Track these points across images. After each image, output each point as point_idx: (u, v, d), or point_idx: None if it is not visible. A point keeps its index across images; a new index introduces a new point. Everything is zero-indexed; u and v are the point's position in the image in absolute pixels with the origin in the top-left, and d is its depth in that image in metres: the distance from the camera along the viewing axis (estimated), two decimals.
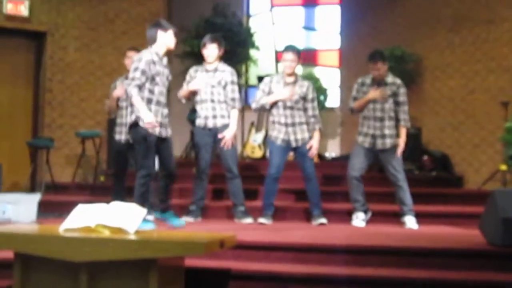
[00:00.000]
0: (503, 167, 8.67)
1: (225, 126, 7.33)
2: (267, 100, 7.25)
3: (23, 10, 10.36)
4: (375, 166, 9.53)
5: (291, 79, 7.30)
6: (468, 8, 10.28)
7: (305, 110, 7.29)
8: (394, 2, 11.58)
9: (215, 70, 7.45)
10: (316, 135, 7.30)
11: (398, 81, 7.33)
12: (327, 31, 13.50)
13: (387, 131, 7.19)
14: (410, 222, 7.06)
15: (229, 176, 7.38)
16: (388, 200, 7.97)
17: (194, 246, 3.86)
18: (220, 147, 7.35)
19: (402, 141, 7.23)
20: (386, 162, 7.20)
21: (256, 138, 10.88)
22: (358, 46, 11.97)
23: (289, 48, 7.26)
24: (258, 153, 10.73)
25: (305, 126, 7.27)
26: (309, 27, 13.70)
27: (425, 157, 10.06)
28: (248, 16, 13.52)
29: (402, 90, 7.28)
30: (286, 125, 7.21)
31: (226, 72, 7.45)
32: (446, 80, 10.55)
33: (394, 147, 7.20)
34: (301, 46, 13.35)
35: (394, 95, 7.23)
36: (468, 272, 5.17)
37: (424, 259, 5.37)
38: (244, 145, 11.11)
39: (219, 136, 7.31)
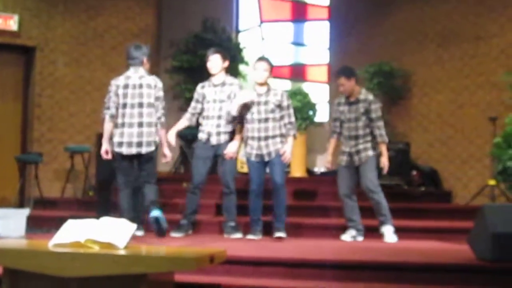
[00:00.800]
0: (492, 182, 8.70)
1: (226, 143, 7.34)
2: (233, 109, 7.17)
3: (13, 25, 10.37)
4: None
5: (263, 89, 7.22)
6: (456, 24, 10.35)
7: (281, 118, 7.16)
8: (382, 18, 11.63)
9: (223, 84, 7.40)
10: (290, 140, 7.16)
11: (370, 97, 7.29)
12: (316, 46, 13.54)
13: (361, 147, 7.21)
14: (388, 233, 7.06)
15: (225, 191, 7.36)
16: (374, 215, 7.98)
17: (184, 262, 3.85)
18: (222, 162, 7.37)
19: (384, 159, 7.21)
20: (362, 175, 7.19)
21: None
22: (347, 61, 11.95)
23: (262, 58, 7.30)
24: (247, 168, 10.70)
25: (278, 139, 7.13)
26: (298, 43, 13.74)
27: (414, 172, 10.08)
28: (238, 31, 13.54)
29: (374, 106, 7.22)
30: (259, 139, 7.12)
31: (235, 86, 7.40)
32: (434, 95, 10.60)
33: (370, 159, 7.19)
34: (290, 61, 13.47)
35: (367, 112, 7.21)
36: (458, 287, 5.17)
37: (414, 274, 5.36)
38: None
39: (225, 152, 7.27)
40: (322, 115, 12.82)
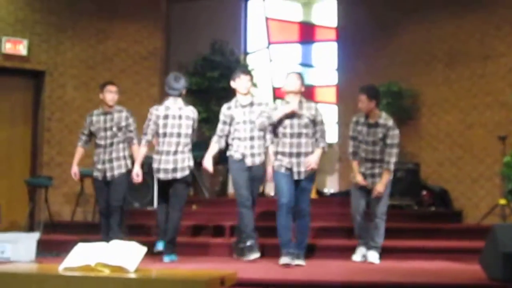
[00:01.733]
0: (503, 201, 8.67)
1: (262, 164, 7.29)
2: (276, 115, 6.79)
3: (22, 50, 10.44)
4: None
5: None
6: (463, 43, 10.37)
7: (313, 134, 6.83)
8: (390, 39, 11.66)
9: (251, 104, 7.33)
10: (318, 151, 6.81)
11: (390, 123, 7.15)
12: (324, 67, 13.57)
13: (377, 171, 7.11)
14: (373, 257, 7.02)
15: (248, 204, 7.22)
16: (387, 236, 7.96)
17: (194, 285, 3.84)
18: (253, 184, 7.29)
19: (380, 185, 7.01)
20: (375, 199, 7.13)
21: None
22: (355, 82, 11.99)
23: (294, 72, 7.08)
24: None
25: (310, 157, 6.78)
26: (306, 64, 13.78)
27: (424, 192, 10.06)
28: (246, 53, 13.59)
29: (391, 133, 7.10)
30: (291, 155, 6.74)
31: (263, 106, 7.31)
32: (443, 115, 10.59)
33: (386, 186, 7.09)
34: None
35: (385, 137, 7.10)
36: None
37: None
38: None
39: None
40: (331, 136, 12.82)
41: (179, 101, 7.29)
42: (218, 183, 10.67)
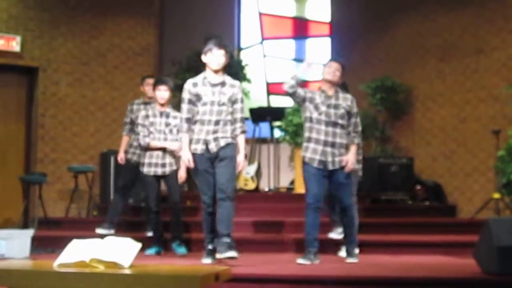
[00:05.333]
0: (496, 195, 8.68)
1: (228, 145, 6.31)
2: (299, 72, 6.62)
3: (15, 46, 10.41)
4: (367, 197, 9.57)
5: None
6: (457, 38, 10.37)
7: (347, 125, 6.61)
8: (383, 33, 11.67)
9: (223, 84, 6.38)
10: (353, 148, 6.58)
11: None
12: (318, 62, 13.56)
13: None
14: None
15: (221, 196, 6.29)
16: (381, 230, 7.98)
17: (189, 280, 3.84)
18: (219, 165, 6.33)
19: None
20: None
21: (249, 170, 10.89)
22: (349, 76, 11.97)
23: (334, 59, 6.85)
24: (251, 185, 10.74)
25: (344, 149, 6.56)
26: (300, 59, 13.77)
27: (418, 187, 10.07)
28: (240, 49, 13.59)
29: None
30: (325, 143, 6.46)
31: (236, 88, 6.41)
32: (437, 109, 10.60)
33: None
34: None
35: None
36: None
37: None
38: (237, 177, 11.11)
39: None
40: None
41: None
42: None
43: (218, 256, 6.23)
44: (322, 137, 6.50)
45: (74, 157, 10.80)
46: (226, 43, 6.52)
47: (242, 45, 13.71)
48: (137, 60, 11.51)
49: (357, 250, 6.76)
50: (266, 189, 11.25)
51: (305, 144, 6.60)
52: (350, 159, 6.53)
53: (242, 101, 6.43)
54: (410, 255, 7.17)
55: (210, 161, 6.32)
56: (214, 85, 6.36)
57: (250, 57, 13.44)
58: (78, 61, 11.02)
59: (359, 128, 6.80)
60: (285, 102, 13.28)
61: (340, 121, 6.54)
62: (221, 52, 6.33)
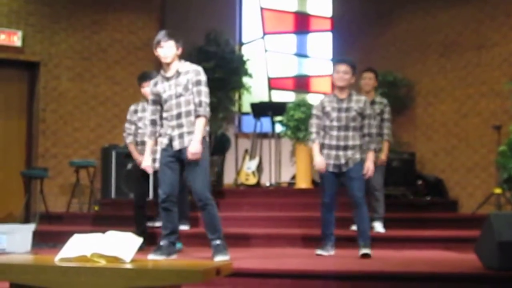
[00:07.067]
0: (498, 190, 8.68)
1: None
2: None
3: (16, 41, 10.40)
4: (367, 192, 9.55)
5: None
6: (458, 33, 10.36)
7: (361, 127, 6.63)
8: (385, 29, 11.65)
9: (177, 74, 6.18)
10: (371, 155, 6.59)
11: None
12: (319, 57, 13.56)
13: None
14: (379, 226, 7.40)
15: (199, 204, 6.17)
16: (383, 225, 7.98)
17: (191, 274, 3.85)
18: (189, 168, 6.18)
19: None
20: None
21: (250, 165, 10.90)
22: None
23: (343, 60, 6.72)
24: (252, 180, 10.75)
25: (357, 150, 6.60)
26: (301, 54, 13.77)
27: (419, 182, 10.07)
28: (241, 44, 13.58)
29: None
30: (338, 147, 6.58)
31: (191, 73, 6.17)
32: (438, 104, 10.59)
33: None
34: (293, 72, 13.50)
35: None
36: None
37: (420, 284, 5.36)
38: (238, 173, 11.12)
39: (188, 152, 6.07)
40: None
41: None
42: (214, 173, 10.66)
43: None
44: (334, 142, 6.61)
45: (75, 152, 10.80)
46: (175, 33, 6.32)
47: (244, 40, 13.70)
48: (138, 55, 11.50)
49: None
50: (267, 184, 11.25)
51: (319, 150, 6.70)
52: (370, 167, 6.59)
53: (200, 83, 6.13)
54: (411, 250, 7.18)
55: (174, 157, 6.17)
56: (169, 79, 6.20)
57: (252, 52, 13.42)
58: (79, 56, 11.02)
59: (372, 130, 6.68)
60: (287, 97, 13.29)
61: (352, 124, 6.59)
62: (170, 43, 6.17)
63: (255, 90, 12.71)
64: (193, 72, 6.17)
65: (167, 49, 6.17)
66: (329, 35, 13.34)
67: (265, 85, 13.58)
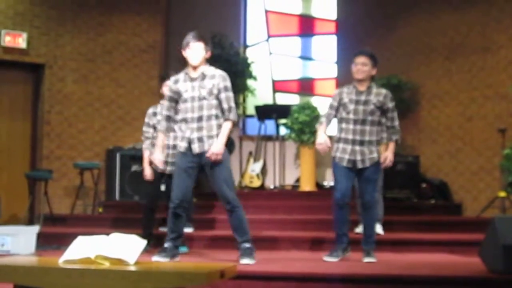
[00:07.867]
0: (502, 194, 8.67)
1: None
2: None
3: (21, 43, 10.42)
4: None
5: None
6: (463, 36, 10.35)
7: (380, 122, 6.45)
8: (389, 32, 11.64)
9: (203, 77, 6.17)
10: (392, 146, 6.43)
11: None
12: (324, 60, 13.55)
13: None
14: (379, 228, 7.28)
15: (227, 207, 6.23)
16: (386, 228, 7.97)
17: (194, 277, 3.84)
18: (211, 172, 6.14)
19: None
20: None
21: (255, 167, 10.89)
22: None
23: (362, 52, 6.59)
24: (256, 183, 10.74)
25: (374, 147, 6.39)
26: (306, 57, 13.75)
27: (424, 185, 10.07)
28: (245, 46, 13.57)
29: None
30: (353, 142, 6.35)
31: (217, 78, 6.15)
32: (443, 107, 10.58)
33: None
34: (298, 75, 13.48)
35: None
36: None
37: (424, 287, 5.35)
38: (242, 175, 11.12)
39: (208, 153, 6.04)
40: (330, 128, 12.81)
41: None
42: None
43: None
44: (350, 136, 6.39)
45: (79, 154, 10.81)
46: (205, 35, 6.33)
47: (248, 43, 13.69)
48: (143, 57, 11.52)
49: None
50: (272, 187, 11.25)
51: (335, 145, 6.51)
52: (389, 157, 6.41)
53: (227, 89, 6.14)
54: (416, 253, 7.17)
55: (194, 163, 6.15)
56: (193, 80, 6.18)
57: (256, 54, 13.42)
58: (84, 58, 11.04)
59: (396, 123, 6.50)
60: (291, 99, 13.28)
61: (369, 118, 6.39)
62: (199, 45, 6.17)
63: (260, 92, 12.70)
64: (220, 78, 6.15)
65: (196, 51, 6.16)
66: (334, 38, 13.32)
67: (270, 88, 13.56)
